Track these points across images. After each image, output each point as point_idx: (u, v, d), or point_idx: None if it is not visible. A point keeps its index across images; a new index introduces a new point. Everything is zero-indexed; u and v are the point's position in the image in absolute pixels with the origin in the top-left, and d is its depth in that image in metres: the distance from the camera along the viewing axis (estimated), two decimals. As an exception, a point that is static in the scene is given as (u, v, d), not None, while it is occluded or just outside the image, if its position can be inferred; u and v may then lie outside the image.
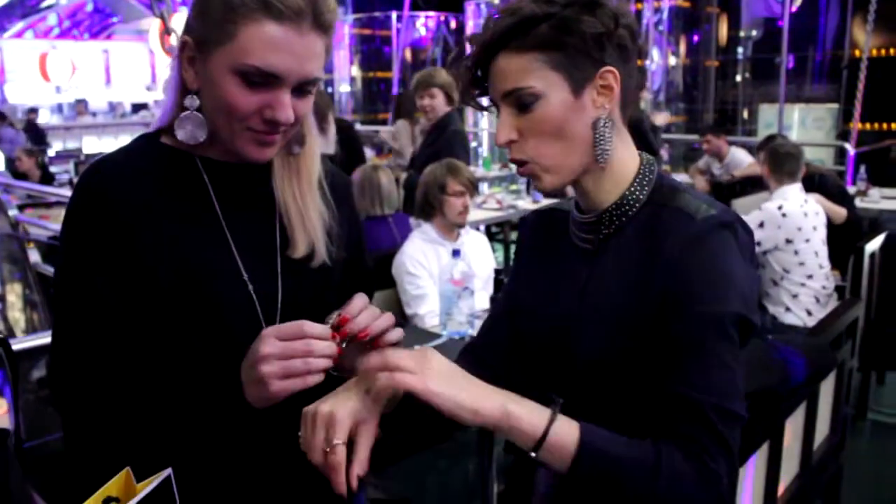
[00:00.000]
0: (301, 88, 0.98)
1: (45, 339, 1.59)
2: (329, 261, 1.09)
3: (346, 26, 12.66)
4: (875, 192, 5.29)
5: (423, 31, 14.10)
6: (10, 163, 7.37)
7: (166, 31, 2.03)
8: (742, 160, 5.80)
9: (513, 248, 4.86)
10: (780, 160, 3.36)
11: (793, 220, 3.25)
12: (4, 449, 0.85)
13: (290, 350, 0.92)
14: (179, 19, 2.16)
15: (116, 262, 0.98)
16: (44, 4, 16.40)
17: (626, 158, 1.04)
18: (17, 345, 1.03)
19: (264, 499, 1.08)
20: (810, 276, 3.30)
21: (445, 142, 3.70)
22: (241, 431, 1.00)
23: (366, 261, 1.24)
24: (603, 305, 1.02)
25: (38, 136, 11.75)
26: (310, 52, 0.96)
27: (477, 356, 1.21)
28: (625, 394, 1.00)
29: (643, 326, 0.97)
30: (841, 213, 3.83)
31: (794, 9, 8.61)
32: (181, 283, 0.99)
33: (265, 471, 1.07)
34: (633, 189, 1.03)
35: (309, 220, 1.08)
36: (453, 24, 14.11)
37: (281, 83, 0.95)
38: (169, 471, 0.86)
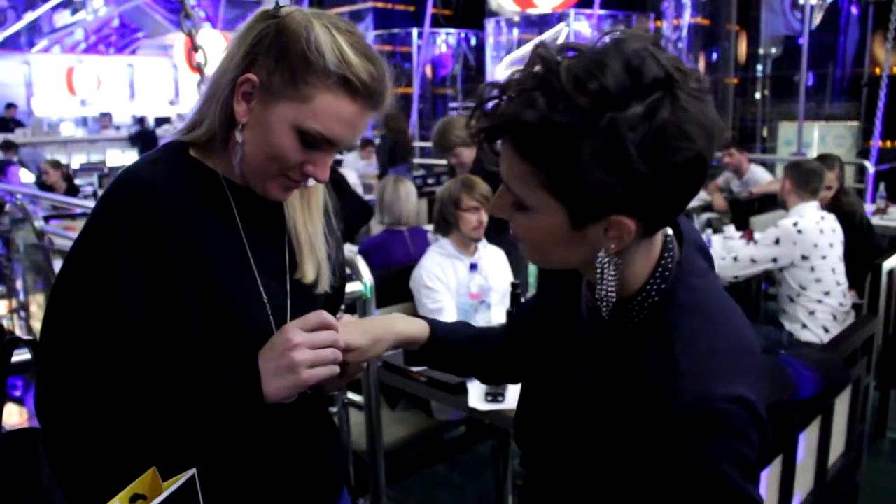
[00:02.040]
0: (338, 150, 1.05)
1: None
2: (330, 289, 1.15)
3: (367, 42, 12.75)
4: (895, 210, 5.26)
5: (443, 48, 14.20)
6: (38, 176, 7.49)
7: (193, 47, 2.07)
8: (761, 178, 5.79)
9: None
10: (805, 177, 3.36)
11: (808, 236, 3.25)
12: (34, 448, 0.88)
13: (320, 340, 0.98)
14: (204, 36, 2.21)
15: (146, 270, 0.98)
16: (68, 21, 16.68)
17: (636, 270, 0.87)
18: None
19: (277, 498, 1.10)
20: (827, 293, 3.29)
21: None
22: (252, 434, 1.03)
23: (344, 283, 1.29)
24: (591, 397, 0.90)
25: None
26: (364, 126, 1.03)
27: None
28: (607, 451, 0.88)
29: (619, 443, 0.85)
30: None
31: (813, 26, 8.60)
32: (205, 296, 1.01)
33: (277, 471, 1.09)
34: (637, 301, 0.87)
35: (317, 246, 1.13)
36: (473, 41, 14.20)
37: (332, 148, 1.02)
38: (193, 470, 0.89)
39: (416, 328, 1.14)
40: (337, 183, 4.58)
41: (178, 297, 0.99)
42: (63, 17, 16.56)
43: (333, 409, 2.44)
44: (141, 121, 13.97)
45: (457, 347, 1.18)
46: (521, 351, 1.15)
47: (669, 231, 0.91)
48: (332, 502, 1.19)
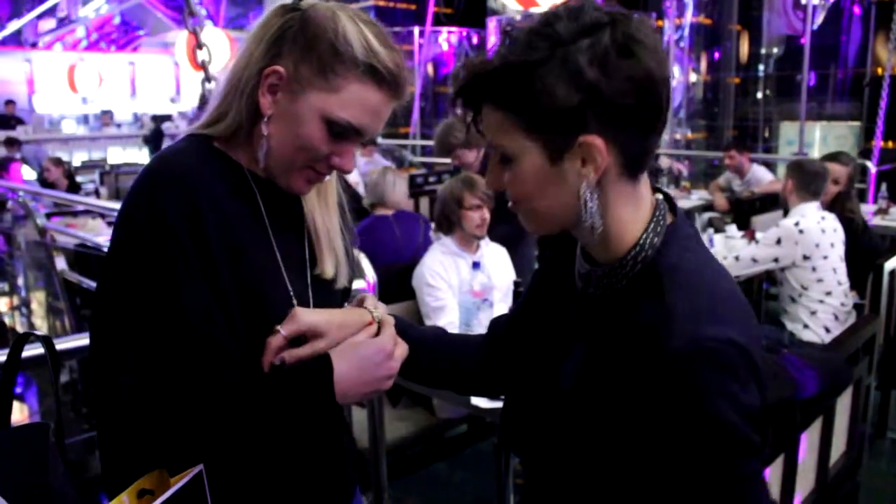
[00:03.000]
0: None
1: (69, 343, 1.63)
2: (347, 283, 1.16)
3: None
4: (896, 211, 5.27)
5: (445, 47, 14.21)
6: (39, 173, 7.50)
7: (198, 45, 2.07)
8: (763, 177, 5.79)
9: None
10: (808, 178, 3.36)
11: (810, 236, 3.26)
12: (46, 442, 0.88)
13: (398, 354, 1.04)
14: (207, 34, 2.22)
15: (196, 254, 0.95)
16: (52, 27, 16.75)
17: (628, 219, 0.91)
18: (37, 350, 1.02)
19: (291, 496, 1.10)
20: (829, 293, 3.30)
21: None
22: (269, 431, 1.02)
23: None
24: (584, 358, 0.94)
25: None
26: (387, 116, 1.05)
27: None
28: (600, 429, 0.92)
29: (618, 405, 0.88)
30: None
31: (815, 26, 8.60)
32: (239, 287, 1.00)
33: (291, 469, 1.09)
34: (629, 257, 0.91)
35: (336, 241, 1.13)
36: (475, 40, 14.20)
37: (358, 138, 1.03)
38: (200, 466, 0.90)
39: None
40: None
41: (218, 285, 0.97)
42: (48, 24, 16.61)
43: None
44: (155, 119, 13.88)
45: (423, 341, 1.14)
46: (501, 360, 1.14)
47: (661, 196, 0.96)
48: (346, 502, 1.20)
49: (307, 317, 0.99)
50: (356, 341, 1.01)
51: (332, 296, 1.13)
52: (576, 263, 1.00)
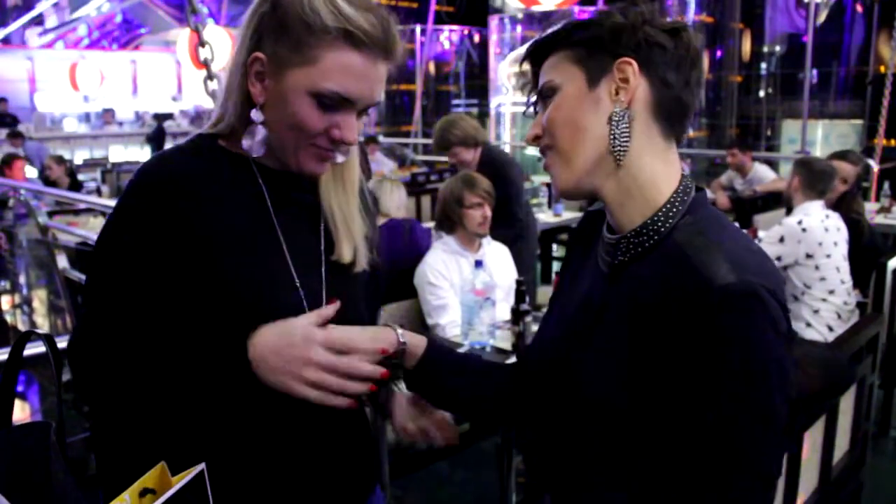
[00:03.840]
0: (363, 110, 1.04)
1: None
2: (368, 267, 1.15)
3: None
4: (899, 209, 5.25)
5: (446, 45, 14.20)
6: (41, 171, 7.50)
7: (200, 43, 2.07)
8: (765, 176, 5.78)
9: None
10: (815, 177, 3.35)
11: (813, 234, 3.25)
12: (47, 441, 0.88)
13: (334, 365, 0.96)
14: (210, 32, 2.22)
15: (172, 257, 1.00)
16: (73, 16, 16.71)
17: (658, 176, 0.95)
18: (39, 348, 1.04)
19: (309, 493, 1.10)
20: (832, 292, 3.29)
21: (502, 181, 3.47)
22: (282, 425, 1.03)
23: (380, 267, 1.28)
24: (614, 340, 0.94)
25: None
26: (379, 79, 1.02)
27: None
28: (627, 442, 0.91)
29: (653, 379, 0.88)
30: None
31: (818, 24, 8.58)
32: (237, 284, 1.02)
33: (309, 465, 1.09)
34: (658, 215, 0.93)
35: (353, 226, 1.13)
36: (476, 38, 14.20)
37: (352, 107, 1.01)
38: (202, 465, 0.89)
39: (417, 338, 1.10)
40: None
41: (211, 280, 1.01)
42: (33, 34, 16.60)
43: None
44: (157, 118, 13.87)
45: (456, 363, 1.13)
46: (531, 383, 1.09)
47: (687, 171, 1.03)
48: (364, 499, 1.19)
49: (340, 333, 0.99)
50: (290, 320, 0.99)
51: (351, 281, 1.13)
52: (598, 250, 1.02)
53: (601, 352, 0.95)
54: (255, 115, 1.02)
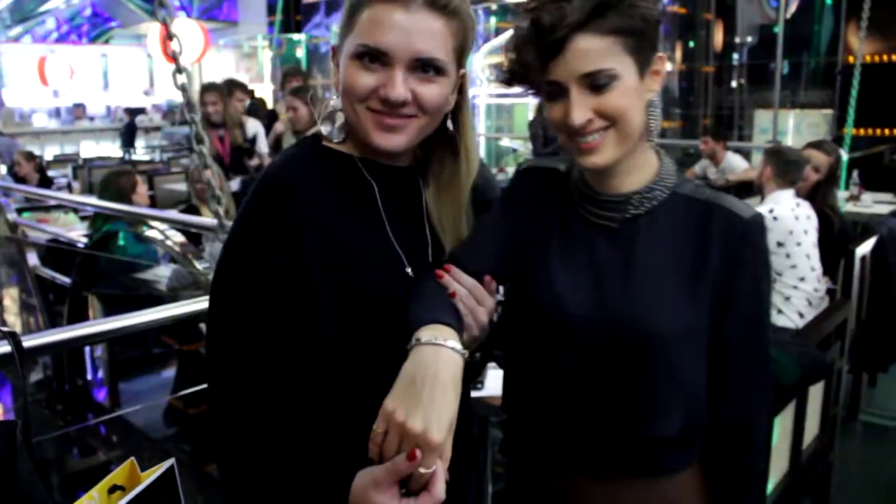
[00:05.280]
0: (421, 70, 1.01)
1: (41, 339, 1.59)
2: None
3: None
4: (867, 197, 5.34)
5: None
6: (10, 168, 7.38)
7: (168, 35, 2.04)
8: (737, 165, 5.84)
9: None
10: (787, 167, 3.39)
11: (783, 223, 3.29)
12: (13, 440, 0.87)
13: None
14: (178, 25, 2.19)
15: (300, 264, 1.00)
16: (42, 9, 16.42)
17: (650, 150, 1.12)
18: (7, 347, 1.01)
19: None
20: (802, 279, 3.33)
21: None
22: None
23: None
24: (659, 284, 1.06)
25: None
26: (420, 29, 0.99)
27: None
28: (684, 361, 1.06)
29: (700, 305, 1.06)
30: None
31: (788, 15, 8.66)
32: (356, 284, 1.03)
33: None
34: (662, 176, 1.10)
35: (461, 230, 1.13)
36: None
37: (392, 61, 0.99)
38: (172, 461, 0.89)
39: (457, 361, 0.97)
40: None
41: (312, 292, 1.01)
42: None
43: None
44: (129, 112, 13.63)
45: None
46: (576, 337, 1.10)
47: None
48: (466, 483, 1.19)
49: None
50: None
51: None
52: (577, 203, 1.12)
53: (648, 300, 1.05)
54: (335, 101, 1.05)
